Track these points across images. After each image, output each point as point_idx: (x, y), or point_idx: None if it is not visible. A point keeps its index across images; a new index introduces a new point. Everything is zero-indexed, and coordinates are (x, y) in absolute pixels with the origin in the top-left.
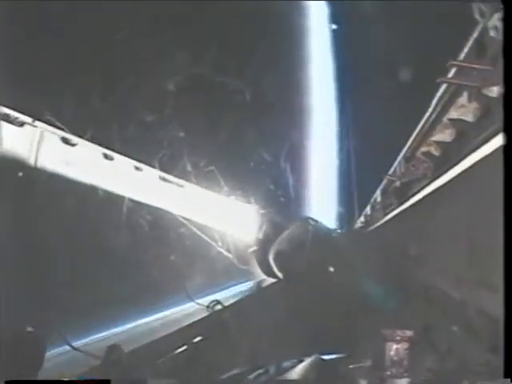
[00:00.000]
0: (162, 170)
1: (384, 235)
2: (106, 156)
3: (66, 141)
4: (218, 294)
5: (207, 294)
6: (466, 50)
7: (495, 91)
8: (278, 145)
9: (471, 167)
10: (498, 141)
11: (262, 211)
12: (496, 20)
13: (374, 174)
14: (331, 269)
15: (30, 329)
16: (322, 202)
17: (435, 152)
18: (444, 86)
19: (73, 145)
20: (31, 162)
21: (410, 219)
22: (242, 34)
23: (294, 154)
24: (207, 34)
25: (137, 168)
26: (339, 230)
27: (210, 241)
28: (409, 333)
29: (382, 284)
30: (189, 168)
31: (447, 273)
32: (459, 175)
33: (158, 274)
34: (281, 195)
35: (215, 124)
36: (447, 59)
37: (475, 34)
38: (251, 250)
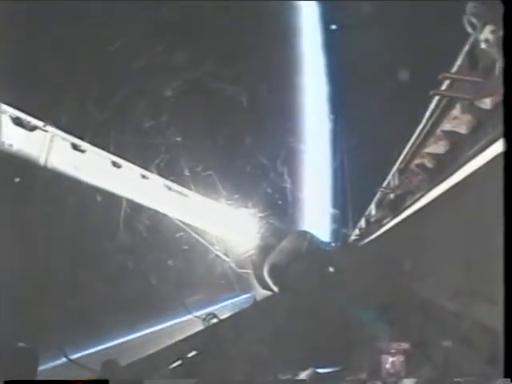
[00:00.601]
0: (160, 175)
1: (379, 249)
2: (114, 164)
3: (75, 147)
4: (214, 306)
5: (204, 306)
6: (458, 62)
7: (488, 103)
8: (275, 150)
9: (466, 178)
10: (492, 152)
11: (260, 214)
12: (487, 33)
13: (367, 186)
14: (326, 282)
15: (21, 344)
16: (315, 215)
17: (429, 164)
18: (437, 98)
19: (82, 151)
20: (40, 164)
21: (404, 232)
22: (239, 40)
23: (289, 160)
24: (204, 40)
25: (143, 176)
26: (334, 244)
27: (207, 245)
28: (404, 345)
29: (377, 299)
30: (186, 173)
31: (444, 286)
32: (453, 187)
33: (155, 281)
34: (278, 199)
35: (212, 129)
36: (440, 71)
37: (467, 47)
38: (248, 254)
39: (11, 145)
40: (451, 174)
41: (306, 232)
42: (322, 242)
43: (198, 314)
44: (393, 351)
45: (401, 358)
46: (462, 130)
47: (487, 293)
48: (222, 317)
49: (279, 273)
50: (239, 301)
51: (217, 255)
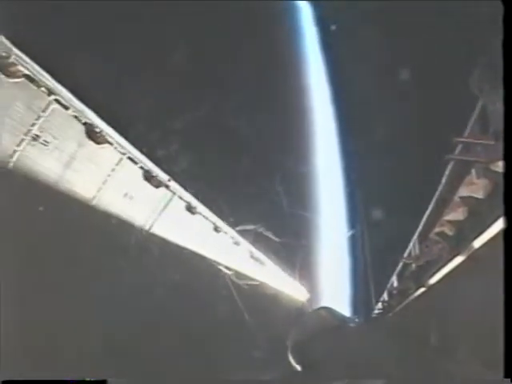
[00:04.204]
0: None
1: (403, 322)
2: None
3: (189, 208)
4: None
5: None
6: (469, 126)
7: (502, 166)
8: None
9: (486, 244)
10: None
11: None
12: (495, 95)
13: (388, 257)
14: (352, 360)
15: None
16: (335, 289)
17: (449, 232)
18: (452, 163)
19: (193, 213)
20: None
21: (429, 304)
22: (236, 73)
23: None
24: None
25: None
26: (357, 320)
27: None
28: None
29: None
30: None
31: (474, 362)
32: (475, 253)
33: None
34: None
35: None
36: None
37: (477, 110)
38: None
39: (131, 197)
40: (472, 240)
41: (327, 308)
42: (345, 317)
43: None
44: None
45: None
46: (480, 194)
47: None
48: None
49: (302, 351)
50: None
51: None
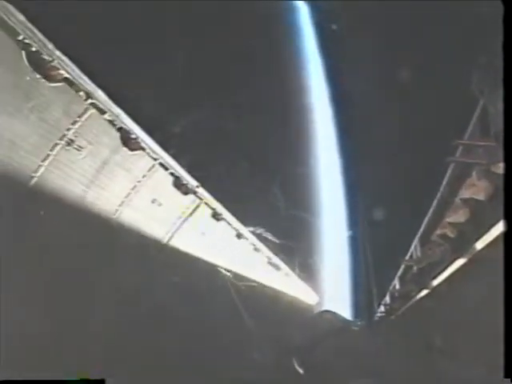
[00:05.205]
0: None
1: (406, 325)
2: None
3: (215, 215)
4: None
5: None
6: (470, 127)
7: (502, 168)
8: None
9: (488, 246)
10: None
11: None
12: (496, 97)
13: (390, 259)
14: (353, 363)
15: None
16: (336, 292)
17: (451, 234)
18: (452, 166)
19: (218, 220)
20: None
21: (431, 306)
22: (234, 74)
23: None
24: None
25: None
26: (359, 322)
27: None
28: None
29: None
30: None
31: (480, 364)
32: (477, 255)
33: None
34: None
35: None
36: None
37: (477, 113)
38: None
39: (160, 203)
40: (474, 242)
41: (329, 312)
42: (347, 320)
43: None
44: None
45: None
46: (481, 196)
47: None
48: None
49: (304, 354)
50: None
51: None
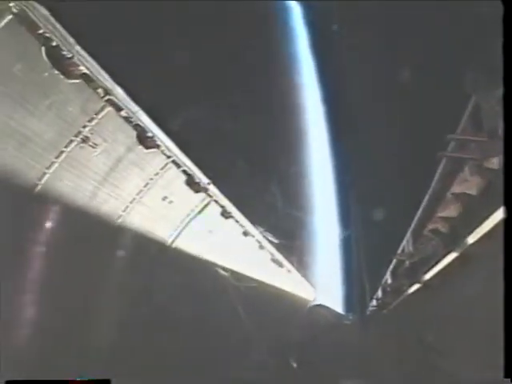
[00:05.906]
0: None
1: (398, 319)
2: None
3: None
4: None
5: None
6: (462, 123)
7: (495, 163)
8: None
9: (480, 241)
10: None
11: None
12: (489, 94)
13: (382, 254)
14: (345, 359)
15: None
16: (328, 286)
17: (442, 228)
18: (444, 161)
19: (227, 217)
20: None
21: (423, 301)
22: (230, 74)
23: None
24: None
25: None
26: (351, 317)
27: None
28: None
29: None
30: None
31: (472, 360)
32: (469, 250)
33: None
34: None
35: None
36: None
37: (469, 108)
38: None
39: (171, 201)
40: (465, 236)
41: (321, 306)
42: (339, 315)
43: None
44: None
45: None
46: (473, 191)
47: None
48: None
49: (298, 349)
50: None
51: None
